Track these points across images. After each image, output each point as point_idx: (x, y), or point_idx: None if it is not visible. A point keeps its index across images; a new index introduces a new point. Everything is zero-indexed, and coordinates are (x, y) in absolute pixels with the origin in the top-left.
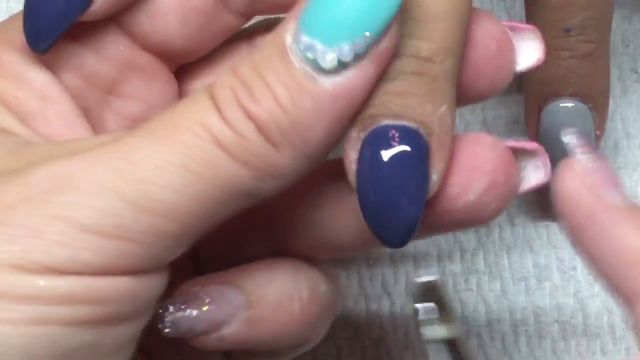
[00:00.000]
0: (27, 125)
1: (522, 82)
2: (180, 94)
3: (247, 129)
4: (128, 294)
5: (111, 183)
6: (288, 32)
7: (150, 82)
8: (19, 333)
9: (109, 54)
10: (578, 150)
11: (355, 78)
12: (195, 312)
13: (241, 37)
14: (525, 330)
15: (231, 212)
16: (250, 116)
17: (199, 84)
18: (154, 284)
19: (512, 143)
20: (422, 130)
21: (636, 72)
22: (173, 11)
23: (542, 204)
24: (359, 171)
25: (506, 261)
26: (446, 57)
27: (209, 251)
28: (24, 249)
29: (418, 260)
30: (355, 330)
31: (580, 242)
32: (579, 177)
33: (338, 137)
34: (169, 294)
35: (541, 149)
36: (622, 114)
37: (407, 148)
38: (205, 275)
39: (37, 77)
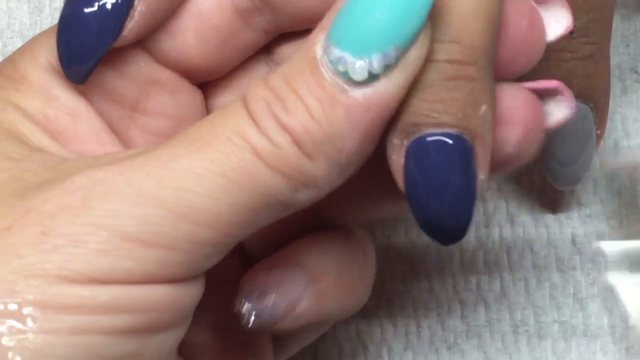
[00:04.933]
0: (60, 143)
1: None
2: (208, 109)
3: (283, 139)
4: (167, 302)
5: (151, 190)
6: (318, 45)
7: (174, 97)
8: (62, 343)
9: (129, 71)
10: None
11: (386, 89)
12: (271, 300)
13: (261, 51)
14: (525, 330)
15: (267, 222)
16: (284, 128)
17: (223, 99)
18: (192, 291)
19: (532, 84)
20: (465, 135)
21: (636, 72)
22: (192, 28)
23: (542, 203)
24: (406, 178)
25: (506, 261)
26: (480, 57)
27: None
28: (66, 258)
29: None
30: (356, 331)
31: None
32: None
33: (371, 147)
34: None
35: (561, 85)
36: (622, 114)
37: (452, 154)
38: (265, 260)
39: (64, 94)
